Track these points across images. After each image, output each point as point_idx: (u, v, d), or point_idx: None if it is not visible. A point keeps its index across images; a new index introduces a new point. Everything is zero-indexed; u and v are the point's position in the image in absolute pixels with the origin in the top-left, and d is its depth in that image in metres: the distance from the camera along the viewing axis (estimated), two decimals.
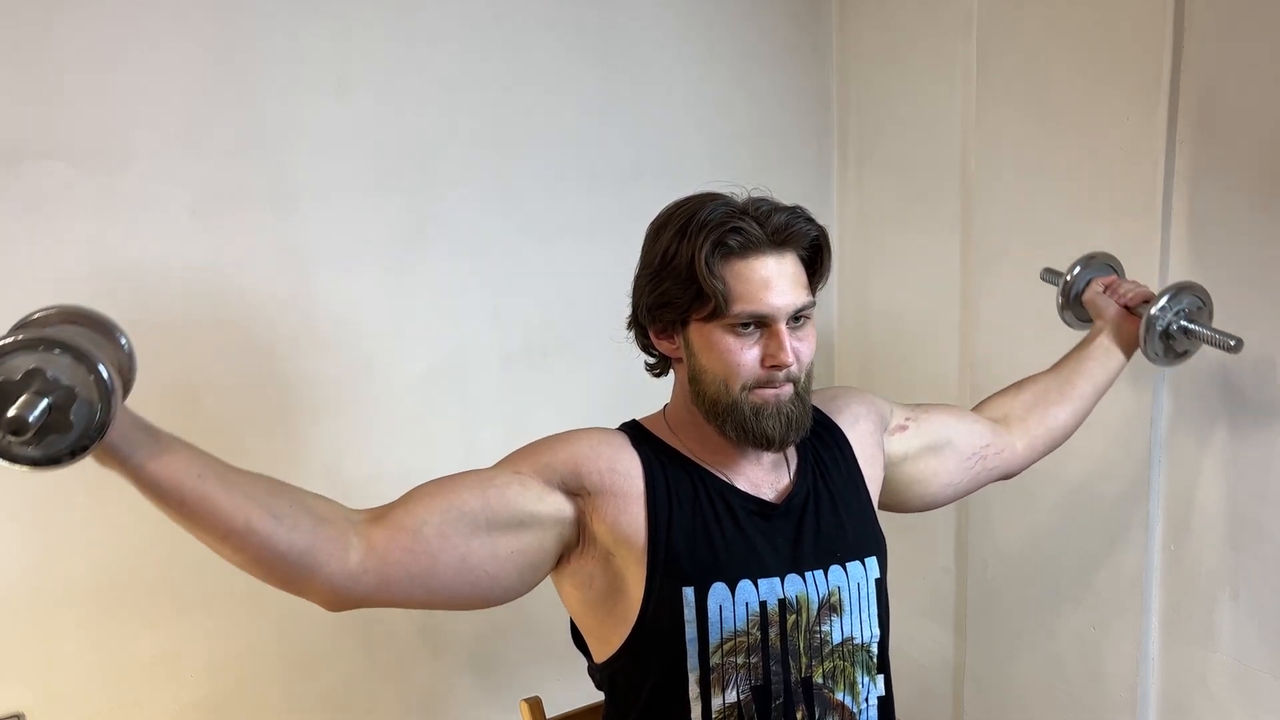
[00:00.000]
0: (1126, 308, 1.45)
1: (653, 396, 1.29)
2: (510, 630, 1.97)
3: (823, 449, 1.24)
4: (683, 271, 1.09)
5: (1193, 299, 1.42)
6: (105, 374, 0.83)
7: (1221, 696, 1.64)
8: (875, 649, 1.19)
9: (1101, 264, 1.54)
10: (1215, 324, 1.42)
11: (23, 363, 0.81)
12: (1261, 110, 1.47)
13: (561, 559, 1.14)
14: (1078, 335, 1.57)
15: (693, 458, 1.17)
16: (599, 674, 1.20)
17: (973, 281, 1.99)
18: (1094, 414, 1.74)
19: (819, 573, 1.14)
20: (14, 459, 0.82)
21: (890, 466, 1.32)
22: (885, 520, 1.29)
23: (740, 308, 1.08)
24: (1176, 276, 1.61)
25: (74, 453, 0.83)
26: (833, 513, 1.20)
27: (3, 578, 1.58)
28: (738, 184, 1.17)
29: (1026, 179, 1.83)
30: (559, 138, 1.97)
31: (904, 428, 1.33)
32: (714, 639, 1.08)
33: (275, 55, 1.68)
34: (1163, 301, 1.39)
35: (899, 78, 2.16)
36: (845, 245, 2.35)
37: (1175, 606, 1.70)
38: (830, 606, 1.14)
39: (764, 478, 1.19)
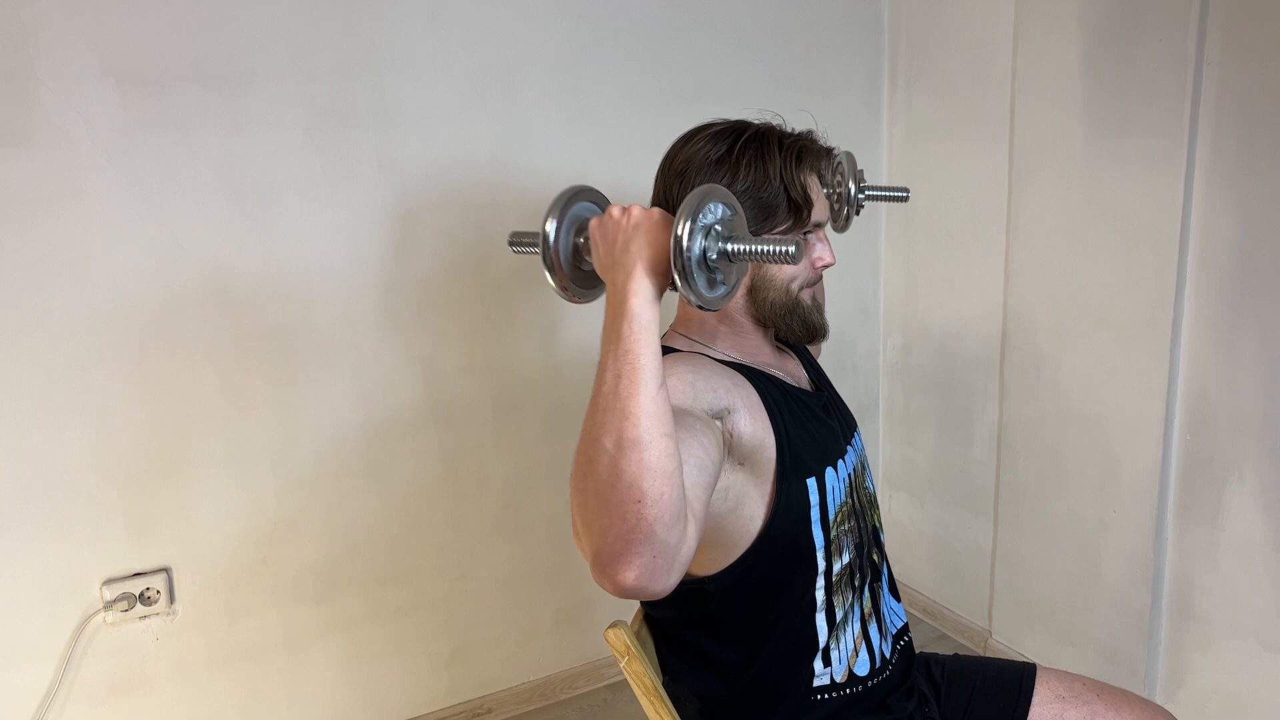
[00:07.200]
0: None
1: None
2: None
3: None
4: (771, 189, 1.15)
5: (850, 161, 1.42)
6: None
7: (1228, 570, 1.81)
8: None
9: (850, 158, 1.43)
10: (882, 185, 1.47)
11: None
12: None
13: None
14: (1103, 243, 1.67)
15: (747, 363, 1.22)
16: (710, 584, 1.14)
17: (1016, 194, 2.11)
18: (1117, 317, 1.89)
19: (853, 440, 1.32)
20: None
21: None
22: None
23: (815, 217, 1.20)
24: (1202, 193, 1.74)
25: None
26: (835, 393, 1.38)
27: (153, 451, 1.81)
28: (767, 109, 1.26)
29: (1066, 99, 1.94)
30: (628, 62, 2.12)
31: None
32: (832, 515, 1.17)
33: None
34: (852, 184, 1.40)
35: (949, 3, 2.26)
36: (894, 162, 2.48)
37: (1189, 490, 1.85)
38: (863, 466, 1.33)
39: (795, 370, 1.30)
